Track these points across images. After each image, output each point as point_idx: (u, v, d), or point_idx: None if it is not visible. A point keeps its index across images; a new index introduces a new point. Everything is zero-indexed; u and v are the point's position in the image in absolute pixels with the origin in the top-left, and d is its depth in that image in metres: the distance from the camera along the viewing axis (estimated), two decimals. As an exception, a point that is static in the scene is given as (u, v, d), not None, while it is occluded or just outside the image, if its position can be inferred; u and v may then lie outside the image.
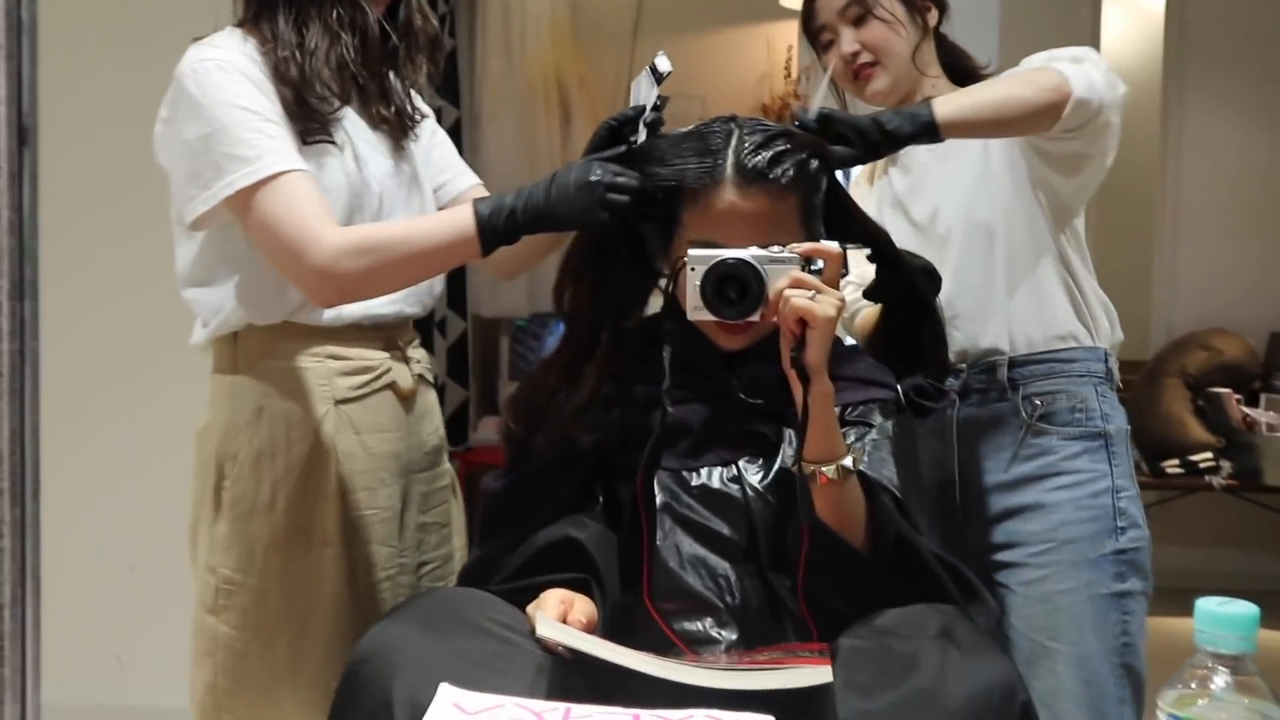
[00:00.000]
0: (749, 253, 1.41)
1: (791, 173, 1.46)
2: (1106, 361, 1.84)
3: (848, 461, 1.39)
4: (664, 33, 4.62)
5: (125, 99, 1.44)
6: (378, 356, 1.64)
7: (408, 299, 1.67)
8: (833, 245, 1.43)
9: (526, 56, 4.35)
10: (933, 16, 1.90)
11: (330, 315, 1.59)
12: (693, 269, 1.42)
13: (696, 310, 1.43)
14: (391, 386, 1.66)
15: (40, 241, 1.27)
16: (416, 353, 1.71)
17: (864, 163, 1.59)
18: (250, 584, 1.57)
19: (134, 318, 1.81)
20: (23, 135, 1.22)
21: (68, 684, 1.87)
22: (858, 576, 1.41)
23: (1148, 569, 1.80)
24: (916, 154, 1.87)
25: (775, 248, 1.42)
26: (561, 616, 1.34)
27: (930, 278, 1.66)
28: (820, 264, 1.42)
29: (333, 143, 1.56)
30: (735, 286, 1.41)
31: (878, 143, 1.53)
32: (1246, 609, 0.98)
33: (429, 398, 1.74)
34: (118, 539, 2.14)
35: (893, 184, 1.91)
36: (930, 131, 1.55)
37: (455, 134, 3.92)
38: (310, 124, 1.53)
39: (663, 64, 1.48)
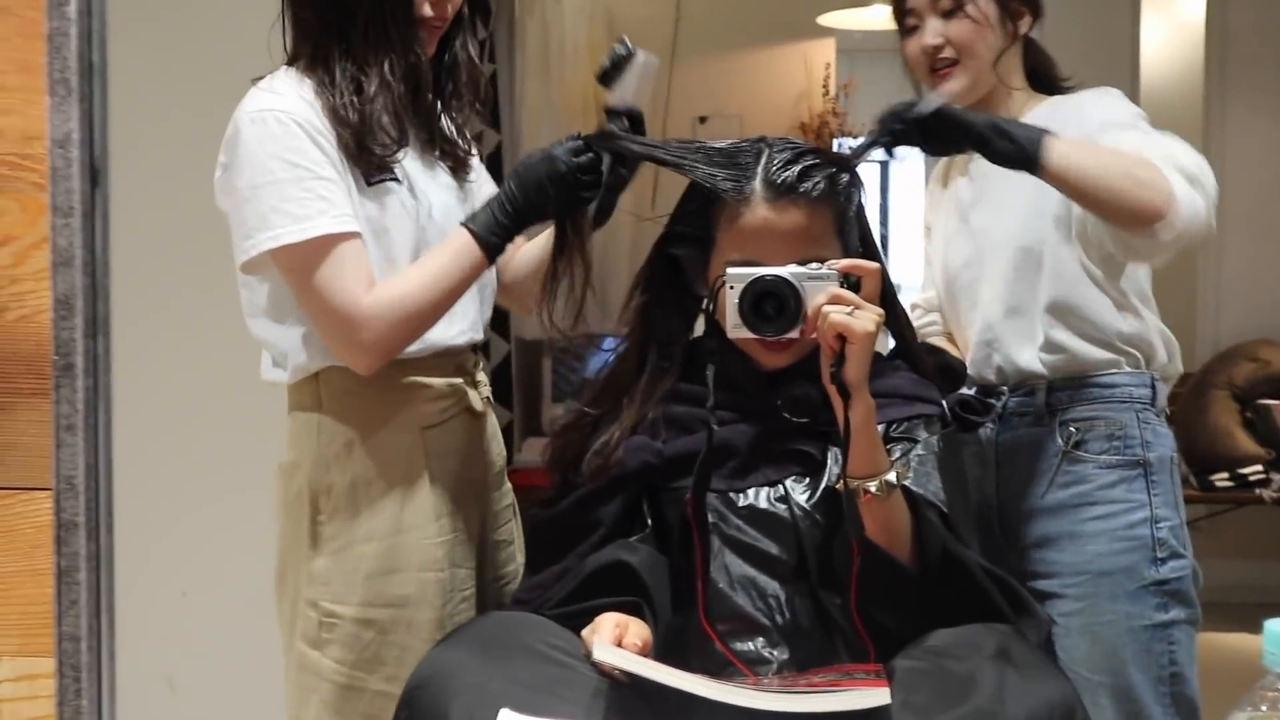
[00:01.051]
0: (787, 270, 1.42)
1: (823, 185, 1.48)
2: (1153, 387, 1.79)
3: (891, 477, 1.39)
4: (701, 52, 4.63)
5: (194, 138, 1.46)
6: (454, 382, 1.66)
7: (473, 327, 1.69)
8: (871, 262, 1.44)
9: (565, 78, 4.37)
10: (1025, 23, 1.83)
11: (414, 347, 1.59)
12: (731, 287, 1.43)
13: (736, 328, 1.44)
14: (468, 410, 1.67)
15: (112, 279, 1.30)
16: (481, 376, 1.74)
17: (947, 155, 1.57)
18: (351, 615, 1.57)
19: (205, 354, 1.83)
20: (95, 176, 1.25)
21: (121, 707, 1.88)
22: (907, 592, 1.41)
23: (1192, 597, 1.76)
24: (983, 164, 1.86)
25: (814, 265, 1.43)
26: (617, 640, 1.35)
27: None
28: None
29: (395, 179, 1.58)
30: (773, 303, 1.42)
31: (982, 147, 1.52)
32: (1317, 631, 0.97)
33: (493, 419, 1.76)
34: (171, 564, 2.17)
35: (959, 193, 1.88)
36: (1030, 166, 1.52)
37: (496, 157, 3.95)
38: (371, 165, 1.55)
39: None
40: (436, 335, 1.60)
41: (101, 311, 1.31)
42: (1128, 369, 1.78)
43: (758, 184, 1.48)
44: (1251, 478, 4.29)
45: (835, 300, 1.38)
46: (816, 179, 1.48)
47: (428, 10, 1.56)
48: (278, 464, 1.63)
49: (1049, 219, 1.77)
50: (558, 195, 1.50)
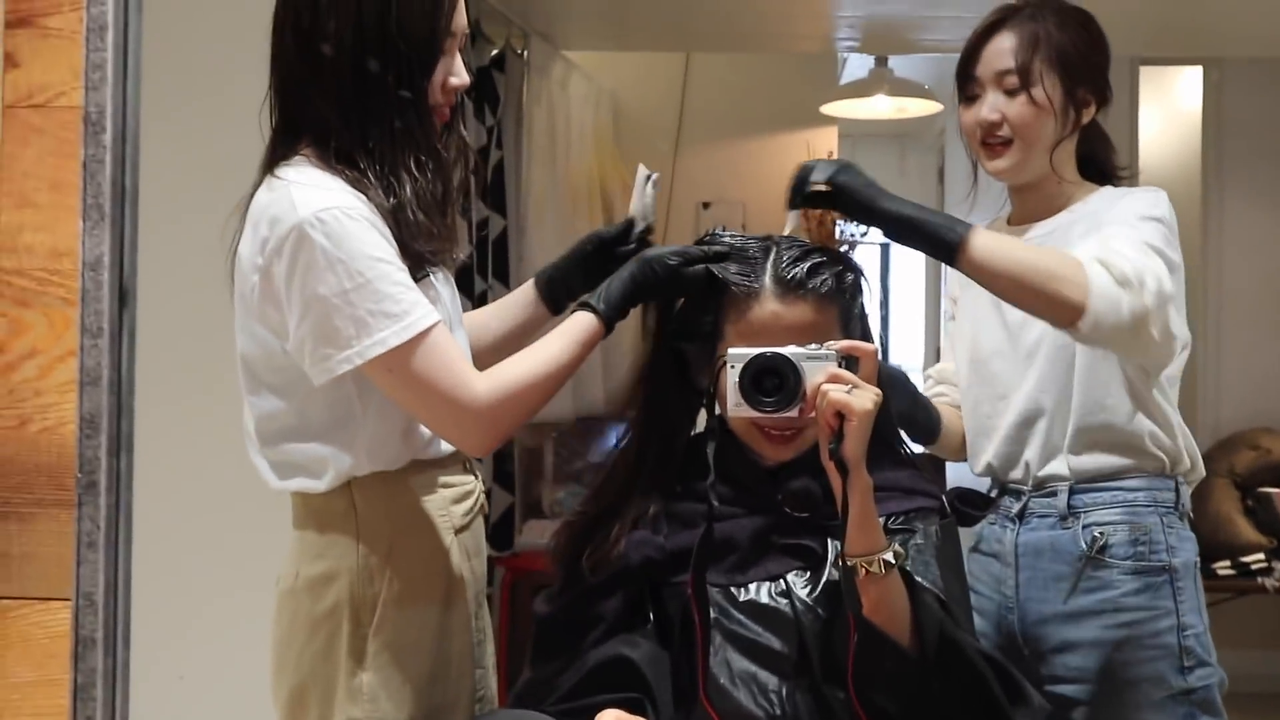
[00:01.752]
0: (787, 349, 1.45)
1: (831, 283, 1.51)
2: (1177, 490, 1.77)
3: (889, 556, 1.40)
4: (705, 139, 4.69)
5: (219, 260, 1.48)
6: (470, 479, 1.64)
7: None
8: (869, 344, 1.47)
9: (571, 165, 4.42)
10: (1089, 113, 1.80)
11: (443, 445, 1.57)
12: (732, 367, 1.45)
13: (737, 407, 1.46)
14: (482, 508, 1.66)
15: (136, 399, 1.32)
16: (477, 470, 1.72)
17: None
18: None
19: (225, 474, 1.83)
20: (123, 297, 1.27)
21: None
22: (905, 674, 1.41)
23: (1219, 705, 1.73)
24: None
25: (812, 345, 1.45)
26: None
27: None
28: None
29: (428, 275, 1.54)
30: (773, 380, 1.44)
31: (888, 234, 1.56)
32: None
33: None
34: (167, 648, 2.16)
35: None
36: (949, 255, 1.54)
37: (502, 242, 3.98)
38: (416, 262, 1.50)
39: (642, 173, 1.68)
40: None
41: (125, 430, 1.32)
42: (1153, 471, 1.75)
43: (767, 279, 1.51)
44: (1253, 566, 4.28)
45: (834, 379, 1.40)
46: (824, 276, 1.51)
47: (440, 97, 1.53)
48: (297, 578, 1.56)
49: None
50: (670, 286, 1.56)
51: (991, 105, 1.77)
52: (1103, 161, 1.87)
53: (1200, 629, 1.74)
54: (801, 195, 1.58)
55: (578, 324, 1.52)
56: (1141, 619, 1.72)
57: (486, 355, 1.67)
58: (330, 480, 1.52)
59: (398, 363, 1.43)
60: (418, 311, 1.43)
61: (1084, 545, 1.74)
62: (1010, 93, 1.76)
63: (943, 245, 1.54)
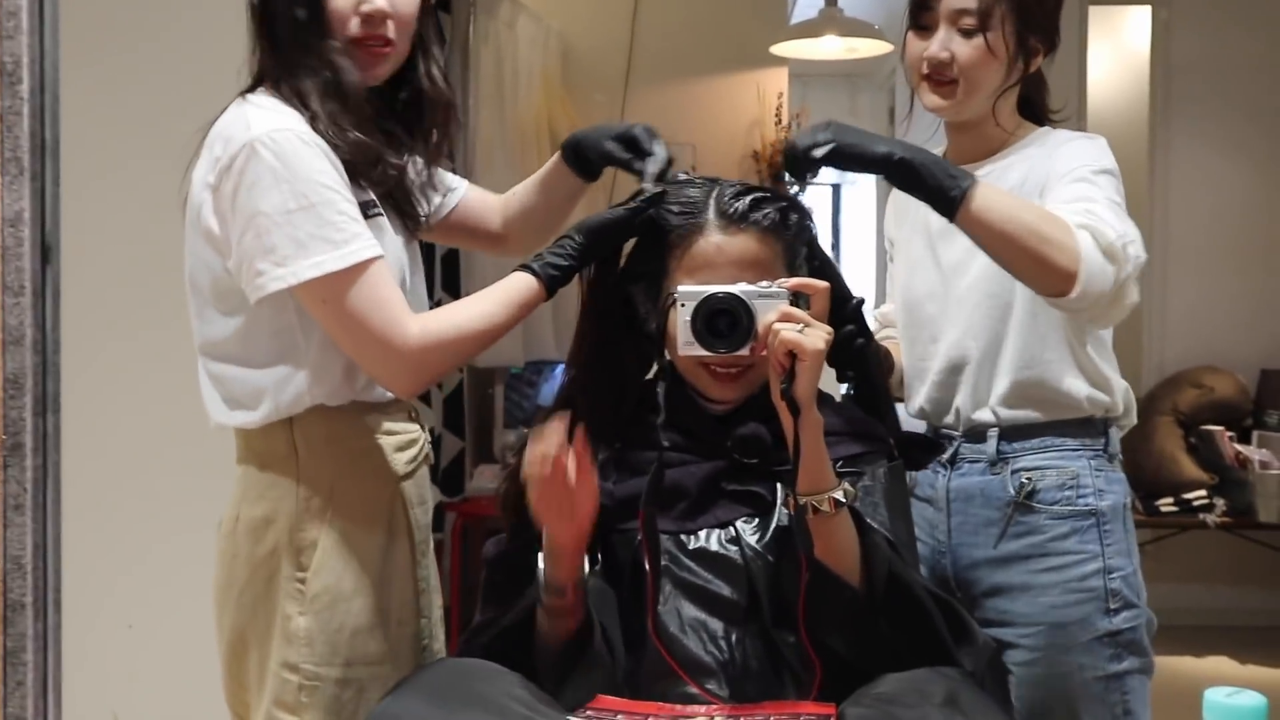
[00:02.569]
0: (738, 288, 1.44)
1: (774, 216, 1.51)
2: (1106, 434, 1.78)
3: (839, 495, 1.41)
4: (655, 81, 4.65)
5: (146, 215, 1.44)
6: (414, 428, 1.64)
7: None
8: (820, 281, 1.46)
9: (519, 106, 4.37)
10: (1037, 62, 1.77)
11: (377, 393, 1.56)
12: (682, 305, 1.44)
13: (687, 345, 1.45)
14: (426, 457, 1.66)
15: (62, 357, 1.28)
16: (422, 420, 1.71)
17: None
18: (334, 675, 1.52)
19: (154, 431, 1.80)
20: (46, 253, 1.23)
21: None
22: (855, 614, 1.42)
23: (1146, 646, 1.76)
24: None
25: (764, 283, 1.44)
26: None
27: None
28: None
29: (381, 214, 1.54)
30: (725, 320, 1.43)
31: (891, 179, 1.51)
32: (1254, 700, 0.98)
33: None
34: (117, 596, 2.15)
35: (928, 217, 1.79)
36: (948, 208, 1.49)
37: (449, 186, 3.94)
38: (366, 197, 1.50)
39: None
40: None
41: (51, 389, 1.29)
42: (1083, 417, 1.76)
43: (710, 214, 1.51)
44: (1195, 502, 4.37)
45: (786, 318, 1.40)
46: (766, 210, 1.51)
47: (355, 28, 1.51)
48: (238, 521, 1.55)
49: None
50: (615, 240, 1.56)
51: (943, 42, 1.73)
52: (1037, 103, 1.85)
53: (1129, 570, 1.76)
54: (806, 170, 1.51)
55: (518, 286, 1.51)
56: (1069, 563, 1.74)
57: (516, 220, 1.79)
58: (268, 413, 1.51)
59: (332, 292, 1.42)
60: (358, 243, 1.43)
61: (1012, 491, 1.75)
62: (966, 33, 1.72)
63: (943, 198, 1.50)
